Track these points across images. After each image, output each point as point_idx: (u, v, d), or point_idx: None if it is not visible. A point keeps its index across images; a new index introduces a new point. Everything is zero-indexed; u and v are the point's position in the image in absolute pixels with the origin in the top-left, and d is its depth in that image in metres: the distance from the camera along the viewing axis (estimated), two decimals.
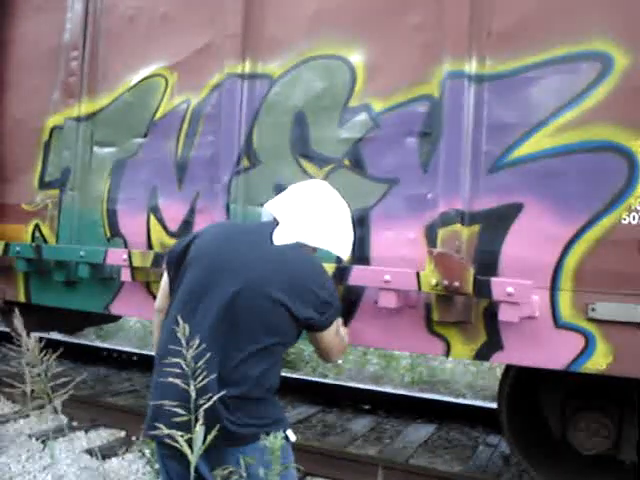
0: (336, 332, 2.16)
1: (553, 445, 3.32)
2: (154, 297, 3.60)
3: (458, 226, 2.86)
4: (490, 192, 2.86)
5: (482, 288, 2.71)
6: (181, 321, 1.66)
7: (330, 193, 2.29)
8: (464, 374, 6.39)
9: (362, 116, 3.11)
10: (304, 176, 3.20)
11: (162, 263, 3.37)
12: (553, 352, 2.76)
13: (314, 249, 2.19)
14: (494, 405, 4.62)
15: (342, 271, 2.96)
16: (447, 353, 2.94)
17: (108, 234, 3.76)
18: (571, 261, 2.71)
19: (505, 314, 2.69)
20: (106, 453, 4.04)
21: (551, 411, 3.29)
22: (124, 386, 5.56)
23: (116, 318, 5.55)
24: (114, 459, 4.02)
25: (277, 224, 2.10)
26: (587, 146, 2.70)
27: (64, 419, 4.61)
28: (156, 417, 1.85)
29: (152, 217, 3.61)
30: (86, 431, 4.41)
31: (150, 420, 1.91)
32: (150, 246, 3.60)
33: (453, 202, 2.88)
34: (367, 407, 5.19)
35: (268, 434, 1.76)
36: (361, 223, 3.07)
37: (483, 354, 2.89)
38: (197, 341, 1.63)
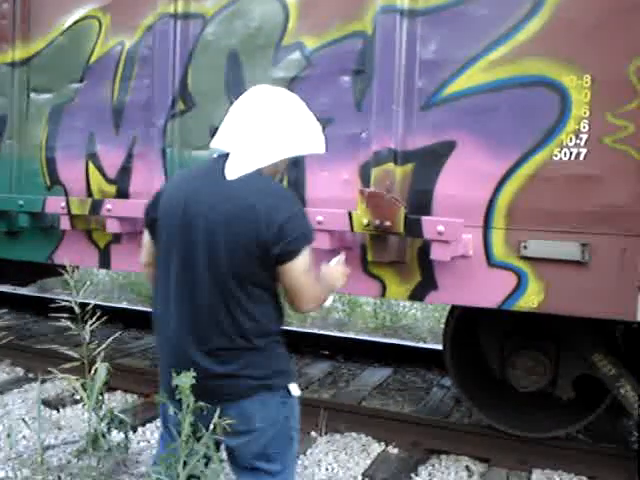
0: (306, 270, 1.77)
1: (494, 383, 3.36)
2: (96, 245, 3.58)
3: (391, 165, 2.83)
4: (423, 130, 2.82)
5: (413, 227, 2.69)
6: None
7: (269, 94, 1.84)
8: (427, 319, 6.44)
9: (295, 54, 3.03)
10: None
11: (100, 210, 3.33)
12: (486, 291, 2.76)
13: (275, 166, 1.83)
14: None
15: None
16: (382, 294, 2.94)
17: (48, 183, 3.69)
18: (503, 199, 2.70)
19: (437, 253, 2.68)
20: (60, 403, 4.05)
21: (490, 350, 3.32)
22: (133, 346, 5.49)
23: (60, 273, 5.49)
24: (68, 409, 4.03)
25: (224, 156, 1.80)
26: (519, 81, 2.66)
27: (20, 371, 4.63)
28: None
29: (90, 164, 3.54)
30: (42, 382, 4.41)
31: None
32: (90, 193, 3.54)
33: (386, 141, 2.84)
34: (326, 353, 5.23)
35: (268, 387, 1.73)
36: (295, 164, 3.02)
37: (418, 294, 2.89)
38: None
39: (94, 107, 3.52)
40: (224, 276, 1.70)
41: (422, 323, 6.35)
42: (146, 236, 1.93)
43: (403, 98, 2.82)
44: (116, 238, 3.48)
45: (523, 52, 2.63)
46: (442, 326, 6.18)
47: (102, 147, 3.50)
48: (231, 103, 3.05)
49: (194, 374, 1.66)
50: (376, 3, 2.85)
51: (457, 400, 4.26)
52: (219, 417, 1.70)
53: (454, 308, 3.35)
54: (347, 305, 6.78)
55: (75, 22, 3.56)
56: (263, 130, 1.75)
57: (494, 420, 3.27)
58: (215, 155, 1.83)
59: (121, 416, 2.67)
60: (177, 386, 1.65)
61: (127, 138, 3.42)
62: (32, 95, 3.74)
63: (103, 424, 2.58)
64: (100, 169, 3.51)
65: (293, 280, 1.75)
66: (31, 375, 4.52)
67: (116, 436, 2.87)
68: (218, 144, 1.79)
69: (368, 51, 2.88)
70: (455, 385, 3.43)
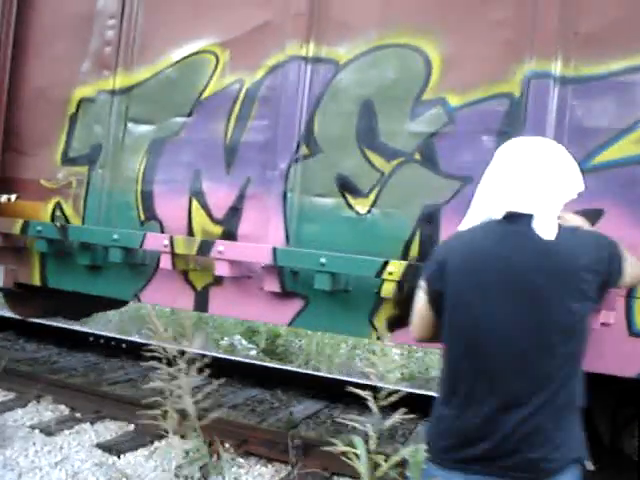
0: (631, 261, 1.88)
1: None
2: (191, 286, 3.42)
3: None
4: None
5: None
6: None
7: (542, 146, 1.84)
8: None
9: (437, 110, 3.00)
10: (370, 168, 3.08)
11: (210, 252, 3.19)
12: (627, 360, 2.74)
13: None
14: None
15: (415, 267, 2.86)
16: None
17: (142, 217, 3.53)
18: None
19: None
20: (119, 448, 3.82)
21: (601, 416, 3.29)
22: (118, 374, 5.29)
23: (124, 304, 5.26)
24: (128, 454, 3.80)
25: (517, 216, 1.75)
26: None
27: (64, 409, 4.36)
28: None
29: (194, 202, 3.40)
30: (92, 423, 4.16)
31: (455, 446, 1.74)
32: (191, 232, 3.40)
33: None
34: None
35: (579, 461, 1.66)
36: (431, 220, 2.98)
37: None
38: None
39: (202, 143, 3.40)
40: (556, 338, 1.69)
41: None
42: (425, 309, 1.87)
43: None
44: (217, 281, 3.34)
45: None
46: None
47: (209, 185, 3.38)
48: (362, 152, 3.10)
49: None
50: (525, 67, 2.87)
51: None
52: None
53: None
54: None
55: (188, 55, 3.46)
56: (553, 185, 1.76)
57: None
58: (492, 218, 1.79)
59: None
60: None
61: (239, 178, 3.31)
62: (130, 125, 3.60)
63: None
64: (205, 208, 3.38)
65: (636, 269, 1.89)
66: (78, 415, 4.26)
67: None
68: (519, 207, 1.74)
69: (514, 113, 2.89)
70: None
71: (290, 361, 6.42)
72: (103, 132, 3.61)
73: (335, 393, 5.14)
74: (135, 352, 5.87)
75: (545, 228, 1.71)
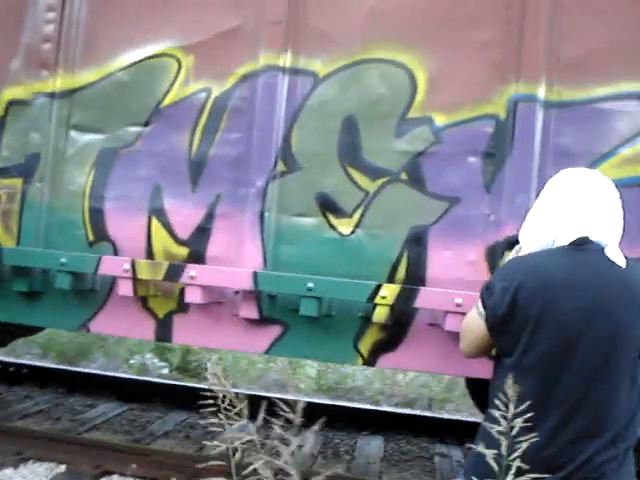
0: None
1: None
2: (152, 313, 3.11)
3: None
4: None
5: None
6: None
7: (599, 178, 1.90)
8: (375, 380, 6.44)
9: (423, 129, 2.94)
10: (353, 187, 2.96)
11: (180, 277, 2.90)
12: None
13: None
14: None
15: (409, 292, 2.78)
16: None
17: (91, 237, 3.13)
18: None
19: None
20: None
21: None
22: (27, 405, 4.72)
23: (41, 330, 4.68)
24: None
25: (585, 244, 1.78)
26: None
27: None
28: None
29: (155, 220, 3.08)
30: (15, 467, 3.66)
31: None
32: (151, 254, 3.07)
33: (520, 225, 2.84)
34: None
35: None
36: (418, 241, 2.91)
37: None
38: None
39: (163, 156, 3.08)
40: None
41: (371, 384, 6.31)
42: (483, 333, 1.88)
43: (536, 186, 2.86)
44: (181, 307, 3.05)
45: None
46: (392, 387, 6.26)
47: (172, 202, 3.07)
48: (344, 170, 2.96)
49: None
50: (511, 89, 2.88)
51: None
52: None
53: None
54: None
55: (145, 58, 3.12)
56: (619, 216, 1.84)
57: None
58: (559, 245, 1.81)
59: None
60: None
61: (207, 195, 3.04)
62: (72, 133, 3.18)
63: None
64: (168, 227, 3.06)
65: None
66: None
67: None
68: (594, 234, 1.77)
69: (499, 135, 2.89)
70: None
71: (205, 378, 6.10)
72: (41, 140, 3.16)
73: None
74: (39, 378, 5.31)
75: (619, 256, 1.78)
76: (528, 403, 1.73)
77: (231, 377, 6.14)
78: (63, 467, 3.71)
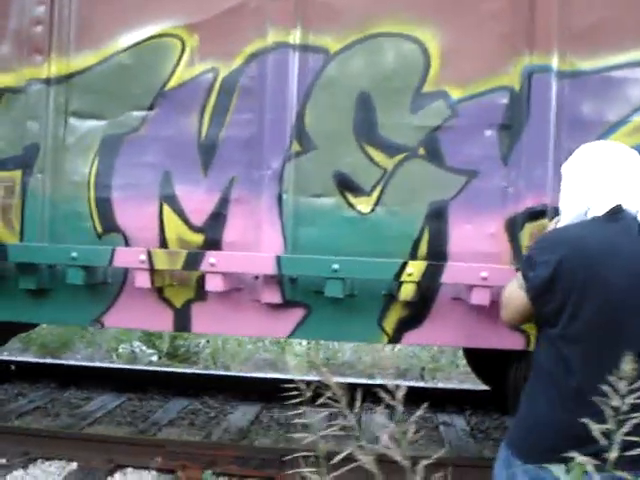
0: None
1: None
2: (169, 303, 3.02)
3: (545, 221, 2.86)
4: None
5: None
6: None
7: (627, 149, 1.94)
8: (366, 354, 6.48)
9: (439, 103, 2.91)
10: (371, 164, 2.92)
11: (200, 265, 2.82)
12: None
13: None
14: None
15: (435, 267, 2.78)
16: None
17: (99, 229, 3.01)
18: None
19: None
20: None
21: None
22: (22, 404, 4.56)
23: (35, 326, 4.50)
24: None
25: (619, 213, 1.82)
26: None
27: None
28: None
29: (166, 208, 2.98)
30: (24, 468, 3.55)
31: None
32: (164, 243, 2.98)
33: (536, 197, 2.87)
34: None
35: None
36: (439, 216, 2.90)
37: None
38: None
39: (171, 141, 2.97)
40: None
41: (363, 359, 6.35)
42: (524, 301, 1.89)
43: (552, 157, 2.87)
44: (200, 296, 2.98)
45: None
46: (390, 360, 6.30)
47: (183, 189, 2.97)
48: (361, 147, 2.92)
49: None
50: (524, 60, 2.87)
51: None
52: None
53: None
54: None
55: (146, 39, 2.98)
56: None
57: None
58: (593, 215, 1.84)
59: None
60: None
61: (220, 180, 2.95)
62: (72, 120, 3.03)
63: None
64: (181, 214, 2.97)
65: None
66: (3, 461, 3.59)
67: None
68: (630, 203, 1.82)
69: (515, 107, 2.89)
70: None
71: (195, 362, 6.04)
72: (39, 129, 3.00)
73: (264, 391, 4.95)
74: (30, 374, 5.15)
75: None
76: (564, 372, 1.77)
77: (223, 359, 6.10)
78: (74, 464, 3.62)
